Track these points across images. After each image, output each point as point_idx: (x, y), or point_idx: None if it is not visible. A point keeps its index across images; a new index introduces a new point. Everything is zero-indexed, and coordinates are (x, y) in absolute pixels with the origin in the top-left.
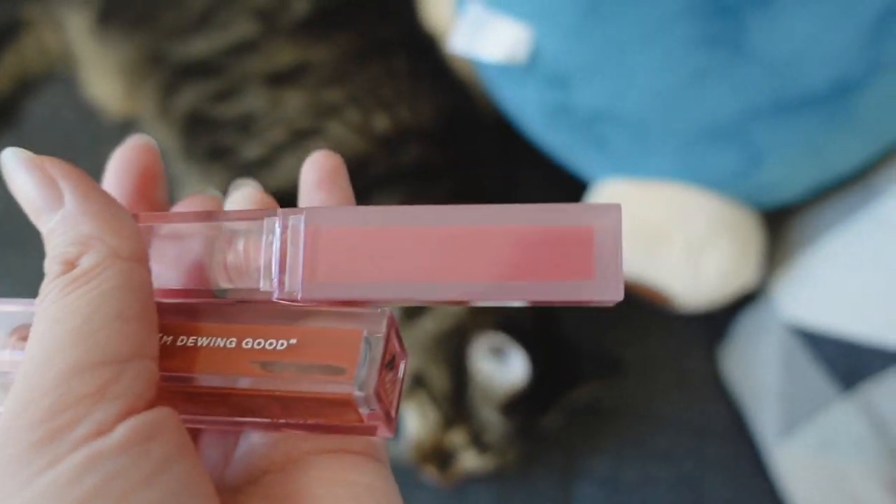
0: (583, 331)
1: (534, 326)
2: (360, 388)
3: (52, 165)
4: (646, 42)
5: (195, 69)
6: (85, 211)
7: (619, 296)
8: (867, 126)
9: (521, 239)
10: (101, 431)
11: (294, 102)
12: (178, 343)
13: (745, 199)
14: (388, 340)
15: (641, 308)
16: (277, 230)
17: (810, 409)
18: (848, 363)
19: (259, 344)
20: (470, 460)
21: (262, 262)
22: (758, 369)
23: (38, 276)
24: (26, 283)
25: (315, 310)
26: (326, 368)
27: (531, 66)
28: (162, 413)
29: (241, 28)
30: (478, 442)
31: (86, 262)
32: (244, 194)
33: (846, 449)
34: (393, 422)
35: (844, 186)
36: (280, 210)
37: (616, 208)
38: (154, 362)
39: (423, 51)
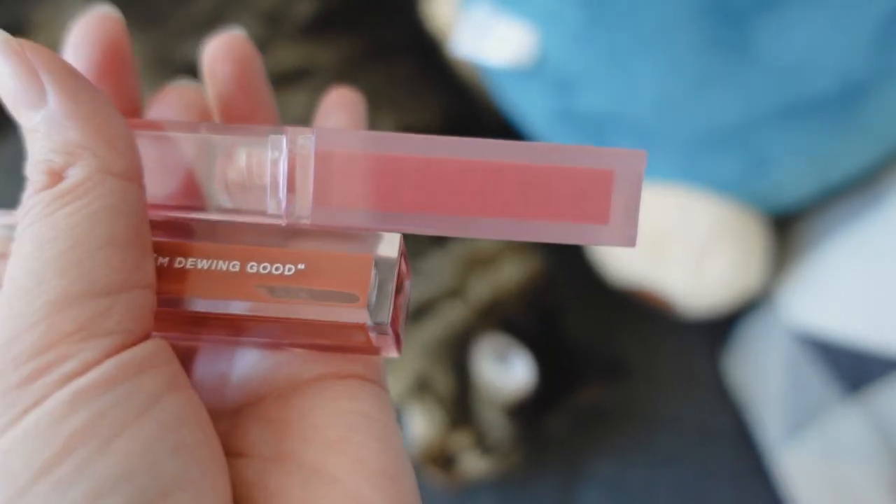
0: (587, 334)
1: (538, 329)
2: (374, 317)
3: (34, 53)
4: (651, 47)
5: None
6: (72, 113)
7: (632, 242)
8: (874, 130)
9: (539, 177)
10: (87, 367)
11: (298, 105)
12: (176, 265)
13: (750, 204)
14: (399, 264)
15: (646, 311)
16: (285, 149)
17: (815, 414)
18: (853, 368)
19: (265, 268)
20: (473, 462)
21: (267, 182)
22: (762, 374)
23: None
24: None
25: (321, 231)
26: (338, 295)
27: (536, 69)
28: (153, 346)
29: (247, 30)
30: (482, 444)
31: (73, 175)
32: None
33: (850, 454)
34: (400, 342)
35: (850, 191)
36: (288, 127)
37: (641, 155)
38: (150, 291)
39: (427, 54)
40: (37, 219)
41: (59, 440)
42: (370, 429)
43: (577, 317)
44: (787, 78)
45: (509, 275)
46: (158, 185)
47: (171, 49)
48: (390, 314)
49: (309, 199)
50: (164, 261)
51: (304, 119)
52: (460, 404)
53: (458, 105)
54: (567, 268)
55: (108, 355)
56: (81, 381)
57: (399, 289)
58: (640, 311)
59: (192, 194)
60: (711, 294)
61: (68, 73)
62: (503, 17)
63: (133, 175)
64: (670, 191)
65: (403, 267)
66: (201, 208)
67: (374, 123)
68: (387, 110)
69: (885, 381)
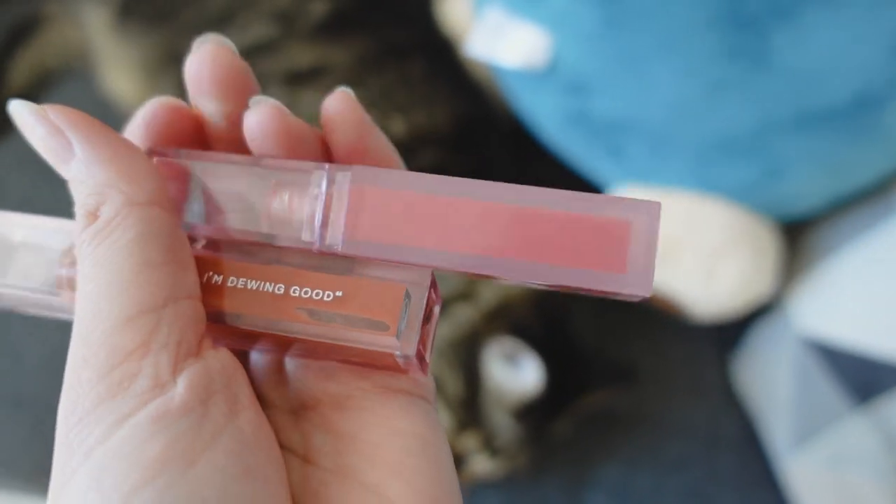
0: (596, 338)
1: (547, 333)
2: (402, 345)
3: (56, 114)
4: (666, 52)
5: None
6: (95, 158)
7: (647, 292)
8: (888, 141)
9: (559, 223)
10: (158, 384)
11: (310, 104)
12: (229, 283)
13: (763, 211)
14: (428, 295)
15: (655, 316)
16: (323, 185)
17: (823, 422)
18: (862, 378)
19: (306, 293)
20: (481, 464)
21: (305, 214)
22: (771, 381)
23: None
24: None
25: (359, 259)
26: (370, 323)
27: (550, 72)
28: (216, 360)
29: (260, 29)
30: (490, 446)
31: (105, 212)
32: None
33: (858, 464)
34: (426, 366)
35: (863, 200)
36: (329, 165)
37: (656, 206)
38: (194, 299)
39: (440, 55)
40: (84, 256)
41: (143, 465)
42: (426, 453)
43: (587, 321)
44: (803, 86)
45: None
46: (209, 211)
47: (182, 46)
48: (416, 344)
49: (341, 230)
50: (218, 279)
51: (317, 120)
52: (469, 406)
53: (471, 106)
54: None
55: (174, 369)
56: (157, 404)
57: (428, 317)
58: (650, 316)
59: (241, 220)
60: (722, 300)
61: (87, 124)
62: (517, 19)
63: (157, 200)
64: (683, 196)
65: (433, 295)
66: (250, 234)
67: (384, 123)
68: (398, 111)
69: (894, 391)
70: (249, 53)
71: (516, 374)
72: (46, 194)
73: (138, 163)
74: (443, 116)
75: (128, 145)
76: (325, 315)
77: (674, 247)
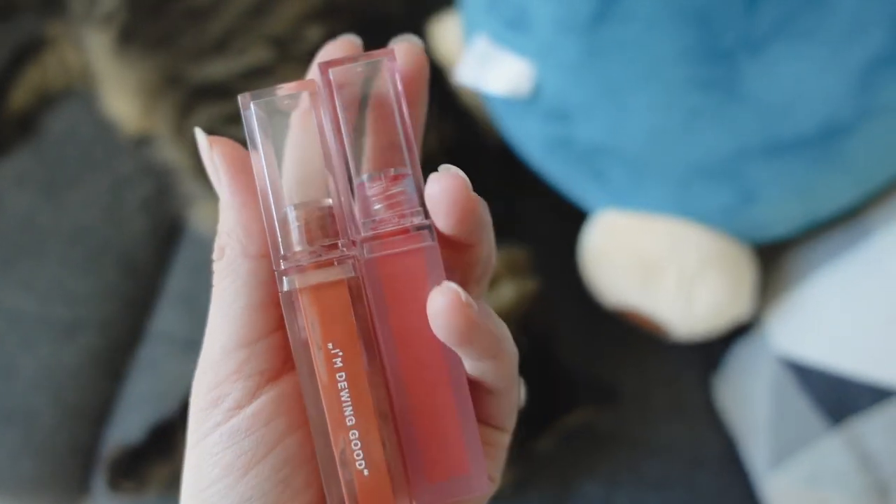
0: (579, 356)
1: (533, 351)
2: None
3: (216, 150)
4: (642, 82)
5: (211, 91)
6: (228, 204)
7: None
8: (856, 168)
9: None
10: (238, 406)
11: None
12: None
13: (739, 234)
14: None
15: (638, 336)
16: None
17: (799, 441)
18: (837, 398)
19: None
20: None
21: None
22: (750, 400)
23: (53, 284)
24: (42, 289)
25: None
26: None
27: (533, 100)
28: (282, 389)
29: (257, 54)
30: None
31: (227, 255)
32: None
33: (833, 483)
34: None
35: (837, 224)
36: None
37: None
38: (279, 333)
39: (431, 81)
40: (214, 285)
41: (219, 466)
42: None
43: (571, 340)
44: (773, 116)
45: (505, 297)
46: None
47: (181, 70)
48: None
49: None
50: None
51: None
52: None
53: (460, 131)
54: (561, 291)
55: (254, 393)
56: (233, 423)
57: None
58: (633, 336)
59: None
60: (701, 320)
61: (235, 169)
62: (503, 49)
63: (263, 253)
64: (663, 221)
65: None
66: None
67: None
68: None
69: (868, 412)
70: (246, 77)
71: None
72: (47, 212)
73: (258, 218)
74: (432, 140)
75: (254, 198)
76: None
77: (655, 269)
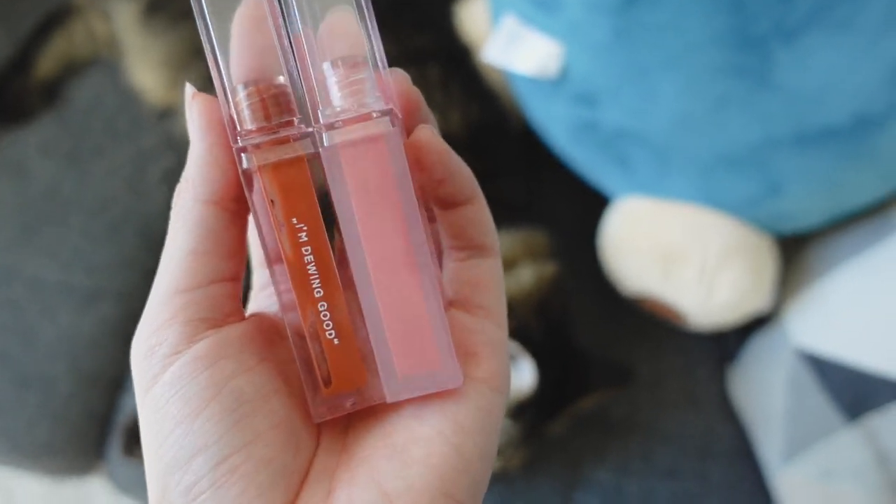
0: (595, 342)
1: (546, 335)
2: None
3: (195, 105)
4: (671, 67)
5: None
6: (195, 152)
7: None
8: (885, 162)
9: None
10: (175, 352)
11: None
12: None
13: (762, 225)
14: None
15: (654, 324)
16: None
17: (815, 435)
18: (854, 393)
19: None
20: None
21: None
22: (766, 392)
23: (74, 253)
24: (63, 258)
25: None
26: None
27: (561, 81)
28: (234, 330)
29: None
30: None
31: (182, 198)
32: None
33: (848, 477)
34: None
35: (861, 218)
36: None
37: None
38: (229, 283)
39: (457, 61)
40: (168, 230)
41: (168, 420)
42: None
43: (586, 324)
44: (804, 106)
45: (524, 279)
46: None
47: None
48: None
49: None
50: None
51: None
52: None
53: (484, 112)
54: (579, 276)
55: (191, 339)
56: (174, 369)
57: None
58: (649, 323)
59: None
60: (720, 310)
61: (209, 123)
62: (532, 28)
63: (218, 200)
64: (685, 208)
65: None
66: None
67: None
68: None
69: (886, 408)
70: None
71: (513, 375)
72: (70, 181)
73: (216, 163)
74: (456, 121)
75: (220, 143)
76: None
77: (676, 257)
